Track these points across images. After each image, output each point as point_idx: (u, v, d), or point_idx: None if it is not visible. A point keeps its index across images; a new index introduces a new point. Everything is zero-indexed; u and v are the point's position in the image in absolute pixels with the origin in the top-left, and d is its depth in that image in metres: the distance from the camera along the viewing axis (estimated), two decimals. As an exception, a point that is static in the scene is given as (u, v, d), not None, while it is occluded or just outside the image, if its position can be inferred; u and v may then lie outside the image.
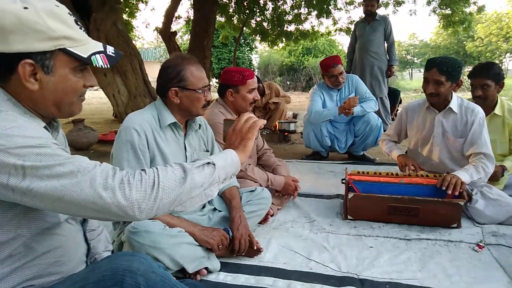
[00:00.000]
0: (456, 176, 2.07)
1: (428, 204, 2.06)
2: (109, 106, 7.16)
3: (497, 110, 2.53)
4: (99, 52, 0.95)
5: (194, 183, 0.92)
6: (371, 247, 1.92)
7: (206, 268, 1.61)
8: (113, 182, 0.83)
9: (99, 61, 0.94)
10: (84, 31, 0.96)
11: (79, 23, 0.95)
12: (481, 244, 1.91)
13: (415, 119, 2.50)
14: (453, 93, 2.30)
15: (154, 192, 0.86)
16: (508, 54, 32.12)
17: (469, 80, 2.57)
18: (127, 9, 9.14)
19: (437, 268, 1.70)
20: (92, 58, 0.92)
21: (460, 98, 2.34)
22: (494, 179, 2.38)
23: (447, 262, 1.76)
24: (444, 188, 2.03)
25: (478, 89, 2.48)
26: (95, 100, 12.40)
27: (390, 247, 1.91)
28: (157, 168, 0.90)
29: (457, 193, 2.02)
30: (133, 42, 6.84)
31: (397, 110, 7.21)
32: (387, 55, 5.23)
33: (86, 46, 0.94)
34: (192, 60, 1.67)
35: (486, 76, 2.46)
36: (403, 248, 1.89)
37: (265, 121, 1.13)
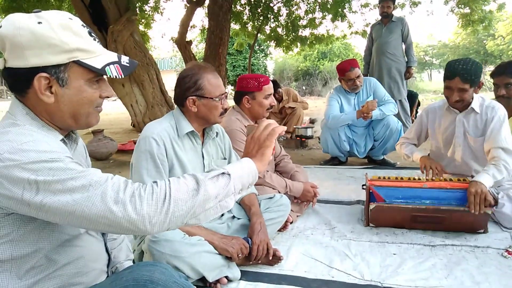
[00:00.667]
0: (479, 188, 1.96)
1: (453, 213, 1.99)
2: (127, 116, 7.29)
3: None
4: (113, 63, 0.95)
5: (208, 194, 0.89)
6: (394, 254, 1.87)
7: (226, 277, 1.59)
8: (124, 196, 0.82)
9: (113, 71, 0.94)
10: (98, 42, 0.97)
11: (93, 34, 0.96)
12: (510, 249, 1.83)
13: (436, 121, 2.45)
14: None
15: (166, 205, 0.84)
16: (531, 52, 31.17)
17: (492, 80, 2.50)
18: (143, 20, 9.33)
19: (464, 275, 1.64)
20: (106, 69, 0.93)
21: (482, 98, 2.28)
22: None
23: (474, 268, 1.69)
24: (473, 211, 1.95)
25: (501, 88, 2.41)
26: (114, 110, 12.66)
27: (414, 254, 1.85)
28: (169, 180, 0.89)
29: (486, 210, 1.94)
30: (150, 52, 6.97)
31: (416, 112, 7.08)
32: (405, 57, 5.14)
33: (100, 57, 0.94)
34: (209, 68, 1.68)
35: (510, 74, 2.39)
36: (427, 255, 1.84)
37: (285, 128, 1.09)
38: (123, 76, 0.97)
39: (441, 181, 2.16)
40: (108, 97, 1.03)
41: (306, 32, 10.32)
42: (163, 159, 1.58)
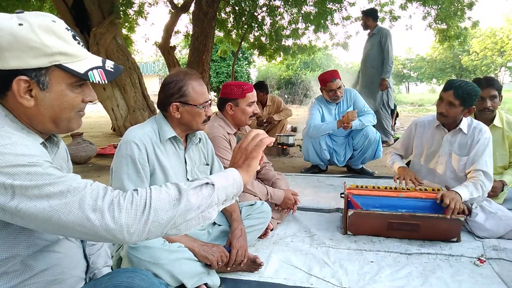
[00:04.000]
0: (456, 196, 2.05)
1: (428, 220, 2.06)
2: (107, 120, 7.18)
3: (497, 122, 2.55)
4: (97, 68, 0.93)
5: (190, 205, 0.87)
6: (372, 261, 1.90)
7: (205, 284, 1.58)
8: (103, 203, 0.80)
9: (97, 76, 0.92)
10: (82, 46, 0.94)
11: (77, 37, 0.94)
12: (482, 258, 1.90)
13: (423, 135, 2.50)
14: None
15: (145, 215, 0.82)
16: (503, 68, 32.51)
17: None
18: (126, 24, 9.24)
19: (439, 283, 1.69)
20: (89, 73, 0.91)
21: (470, 118, 2.34)
22: (493, 194, 2.38)
23: (448, 277, 1.74)
24: (446, 205, 2.03)
25: (486, 100, 2.49)
26: (94, 113, 12.43)
27: (391, 262, 1.89)
28: (150, 189, 0.86)
29: (454, 216, 2.02)
30: (132, 56, 6.90)
31: (395, 124, 7.25)
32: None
33: (83, 61, 0.92)
34: (194, 75, 1.68)
35: (494, 87, 2.49)
36: (404, 263, 1.88)
37: (273, 139, 1.07)
38: (106, 82, 0.95)
39: (416, 191, 2.23)
40: (91, 102, 1.01)
41: (289, 42, 10.46)
42: (144, 164, 1.57)
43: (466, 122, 2.30)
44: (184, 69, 1.70)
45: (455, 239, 2.09)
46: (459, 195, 2.07)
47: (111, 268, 1.33)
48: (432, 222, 2.05)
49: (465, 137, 2.30)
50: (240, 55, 19.26)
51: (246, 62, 21.13)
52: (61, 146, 1.11)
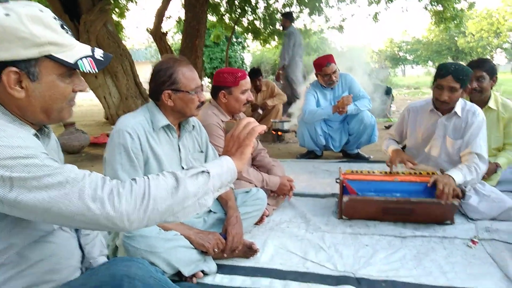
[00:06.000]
0: (449, 180, 2.06)
1: (423, 205, 2.07)
2: (100, 108, 7.11)
3: (491, 104, 2.56)
4: (86, 57, 0.93)
5: (187, 193, 0.90)
6: (367, 245, 1.92)
7: (202, 271, 1.60)
8: (102, 193, 0.82)
9: (87, 66, 0.92)
10: (71, 35, 0.94)
11: (65, 27, 0.93)
12: (475, 239, 1.92)
13: (417, 120, 2.50)
14: None
15: (145, 203, 0.85)
16: (498, 49, 32.46)
17: None
18: (117, 10, 9.08)
19: (433, 265, 1.71)
20: (79, 63, 0.91)
21: (464, 101, 2.33)
22: (486, 176, 2.40)
23: (442, 258, 1.77)
24: (440, 199, 2.03)
25: (473, 81, 2.49)
26: (86, 102, 12.32)
27: (385, 245, 1.92)
28: (148, 178, 0.89)
29: (453, 200, 2.03)
30: (124, 42, 6.79)
31: (390, 107, 7.26)
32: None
33: (73, 50, 0.92)
34: (183, 61, 1.66)
35: (482, 68, 2.49)
36: (398, 246, 1.90)
37: (265, 127, 1.08)
38: (97, 71, 0.95)
39: (411, 175, 2.24)
40: (81, 91, 1.00)
41: (283, 26, 10.33)
42: (137, 153, 1.56)
43: (460, 105, 2.29)
44: (173, 56, 1.68)
45: (449, 222, 2.11)
46: (453, 178, 2.08)
47: (107, 257, 1.34)
48: (426, 207, 2.07)
49: (460, 120, 2.29)
50: (234, 40, 19.04)
51: (240, 47, 20.91)
52: (52, 137, 1.11)
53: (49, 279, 0.99)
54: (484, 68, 2.49)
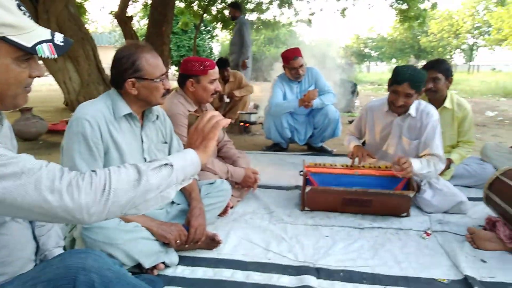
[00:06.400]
0: (409, 161, 2.15)
1: (380, 196, 2.16)
2: (59, 94, 6.77)
3: (447, 104, 2.68)
4: (45, 41, 0.88)
5: (149, 185, 0.88)
6: (327, 236, 1.98)
7: (163, 263, 1.58)
8: (61, 184, 0.79)
9: (46, 51, 0.87)
10: (29, 17, 0.88)
11: (23, 8, 0.87)
12: (428, 231, 2.03)
13: (374, 120, 2.57)
14: None
15: (105, 196, 0.82)
16: (457, 50, 34.03)
17: None
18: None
19: (388, 255, 1.79)
20: (37, 48, 0.86)
21: (418, 101, 2.41)
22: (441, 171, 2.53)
23: (397, 249, 1.85)
24: (397, 167, 2.13)
25: (429, 82, 2.59)
26: (45, 87, 11.71)
27: (345, 236, 1.98)
28: (109, 170, 0.86)
29: (402, 174, 2.12)
30: (86, 26, 6.50)
31: (354, 102, 7.46)
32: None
33: (31, 34, 0.86)
34: (146, 47, 1.60)
35: (437, 69, 2.59)
36: (356, 237, 1.97)
37: (229, 121, 1.09)
38: (56, 56, 0.90)
39: (371, 169, 2.32)
40: (38, 77, 0.95)
41: (253, 17, 10.30)
42: (97, 142, 1.50)
43: (414, 106, 2.37)
44: (136, 42, 1.63)
45: (405, 214, 2.21)
46: (410, 161, 2.16)
47: (64, 249, 1.29)
48: (383, 198, 2.16)
49: (414, 120, 2.38)
50: (203, 28, 18.74)
51: (209, 36, 20.61)
52: (5, 124, 1.05)
53: (0, 272, 0.95)
54: (439, 69, 2.59)
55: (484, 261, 1.74)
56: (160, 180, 0.91)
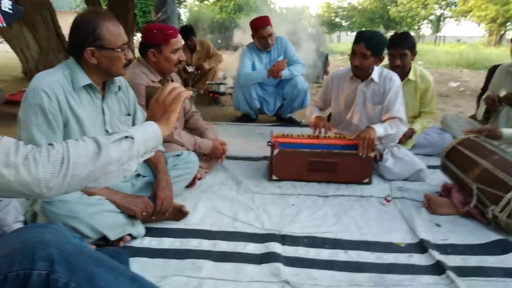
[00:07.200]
0: (372, 131, 2.22)
1: (344, 157, 2.25)
2: (17, 62, 6.38)
3: (411, 76, 2.76)
4: None
5: (109, 158, 0.88)
6: (293, 204, 2.04)
7: (130, 234, 1.58)
8: (16, 158, 0.77)
9: None
10: None
11: None
12: (388, 198, 2.13)
13: (340, 87, 2.62)
14: None
15: (64, 169, 0.81)
16: (425, 21, 34.50)
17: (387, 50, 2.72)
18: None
19: (350, 221, 1.88)
20: None
21: (381, 68, 2.48)
22: (402, 140, 2.63)
23: (358, 216, 1.94)
24: (360, 146, 2.20)
25: (397, 58, 2.65)
26: (1, 54, 10.96)
27: (310, 204, 2.05)
28: (67, 143, 0.85)
29: (371, 153, 2.20)
30: (43, -12, 6.05)
31: (326, 72, 7.49)
32: None
33: None
34: (107, 15, 1.53)
35: (405, 46, 2.64)
36: (321, 205, 2.05)
37: (190, 93, 1.08)
38: (5, 25, 0.85)
39: (336, 138, 2.38)
40: None
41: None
42: (55, 113, 1.44)
43: (377, 72, 2.45)
44: (96, 8, 1.55)
45: (367, 181, 2.30)
46: (374, 130, 2.24)
47: (24, 223, 1.27)
48: (347, 160, 2.24)
49: (378, 86, 2.46)
50: (170, -7, 17.92)
51: (176, 2, 19.78)
52: None
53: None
54: (406, 45, 2.65)
55: (439, 225, 1.86)
56: (121, 153, 0.90)
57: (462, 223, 1.88)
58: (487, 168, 1.82)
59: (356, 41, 2.32)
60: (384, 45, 2.33)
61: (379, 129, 2.26)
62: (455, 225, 1.86)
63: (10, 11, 0.87)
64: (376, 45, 2.28)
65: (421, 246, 1.65)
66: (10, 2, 0.88)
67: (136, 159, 0.95)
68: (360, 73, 2.43)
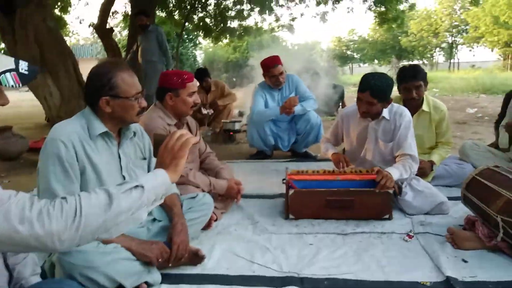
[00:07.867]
0: (389, 174, 2.20)
1: (361, 195, 2.20)
2: (41, 109, 6.67)
3: (425, 107, 2.74)
4: (9, 70, 0.88)
5: (120, 209, 0.89)
6: (311, 244, 1.98)
7: (146, 282, 1.56)
8: (31, 214, 0.79)
9: (10, 80, 0.87)
10: None
11: None
12: (410, 233, 2.06)
13: (350, 126, 2.62)
14: None
15: (76, 222, 0.82)
16: (437, 49, 34.69)
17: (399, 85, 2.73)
18: (59, 3, 8.57)
19: (371, 260, 1.81)
20: (1, 77, 0.86)
21: (391, 104, 2.45)
22: (423, 174, 2.58)
23: (380, 253, 1.87)
24: (378, 180, 2.16)
25: (412, 91, 2.64)
26: (25, 103, 11.49)
27: (328, 243, 1.99)
28: (79, 195, 0.87)
29: (389, 188, 2.16)
30: (68, 38, 6.44)
31: (343, 105, 7.51)
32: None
33: None
34: (122, 65, 1.60)
35: (419, 78, 2.65)
36: (340, 243, 1.98)
37: (198, 139, 1.12)
38: (21, 86, 0.91)
39: (352, 173, 2.35)
40: (3, 105, 0.95)
41: (234, 24, 10.34)
42: (72, 163, 1.48)
43: (387, 109, 2.42)
44: (111, 59, 1.63)
45: (387, 216, 2.23)
46: (390, 173, 2.21)
47: (43, 274, 1.27)
48: (365, 197, 2.19)
49: (388, 123, 2.44)
50: (185, 36, 18.71)
51: (192, 44, 20.60)
52: None
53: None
54: (420, 77, 2.65)
55: (465, 261, 1.76)
56: (131, 202, 0.92)
57: (490, 257, 1.79)
58: (510, 199, 1.74)
59: (361, 89, 2.30)
60: (389, 89, 2.30)
61: (395, 174, 2.24)
62: (483, 260, 1.76)
63: (26, 72, 0.92)
64: (381, 93, 2.26)
65: (448, 285, 1.56)
66: (26, 64, 0.94)
67: (146, 207, 0.96)
68: (370, 116, 2.42)
